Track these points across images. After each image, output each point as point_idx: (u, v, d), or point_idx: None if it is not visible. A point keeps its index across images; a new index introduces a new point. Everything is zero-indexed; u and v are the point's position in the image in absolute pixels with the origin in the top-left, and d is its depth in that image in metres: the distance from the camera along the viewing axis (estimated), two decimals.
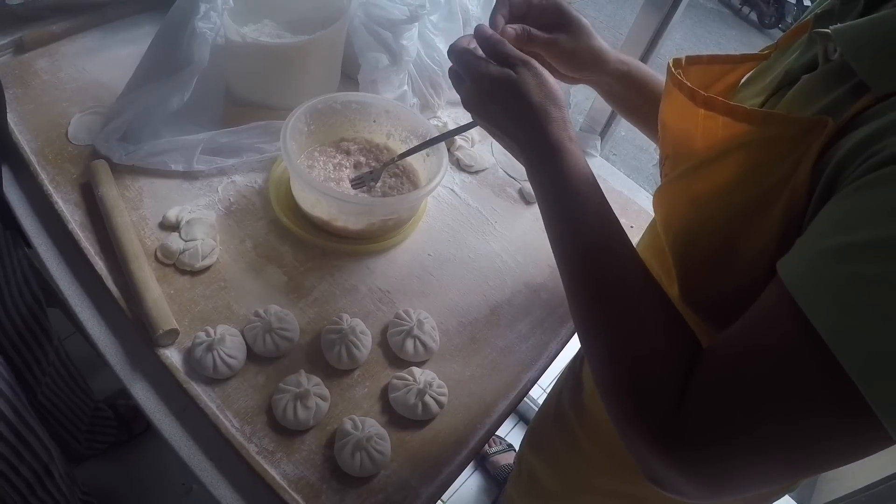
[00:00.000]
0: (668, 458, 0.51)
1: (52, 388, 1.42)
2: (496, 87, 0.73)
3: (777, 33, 6.37)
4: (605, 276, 0.63)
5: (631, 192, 1.43)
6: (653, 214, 0.81)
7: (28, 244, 1.16)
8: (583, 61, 0.87)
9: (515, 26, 0.82)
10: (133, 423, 1.81)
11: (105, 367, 0.95)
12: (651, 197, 1.19)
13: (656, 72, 0.92)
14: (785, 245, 0.52)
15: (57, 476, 1.24)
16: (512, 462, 2.00)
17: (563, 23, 0.86)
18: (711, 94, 0.63)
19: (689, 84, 0.64)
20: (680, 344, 0.57)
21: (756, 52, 0.75)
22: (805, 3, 6.17)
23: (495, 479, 2.04)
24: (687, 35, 5.71)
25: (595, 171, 1.34)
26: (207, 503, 0.88)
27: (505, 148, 0.78)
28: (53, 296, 1.46)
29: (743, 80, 0.75)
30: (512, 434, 2.23)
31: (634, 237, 1.27)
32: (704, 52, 0.74)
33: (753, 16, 6.46)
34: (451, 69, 0.80)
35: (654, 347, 0.57)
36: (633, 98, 0.93)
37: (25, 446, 1.15)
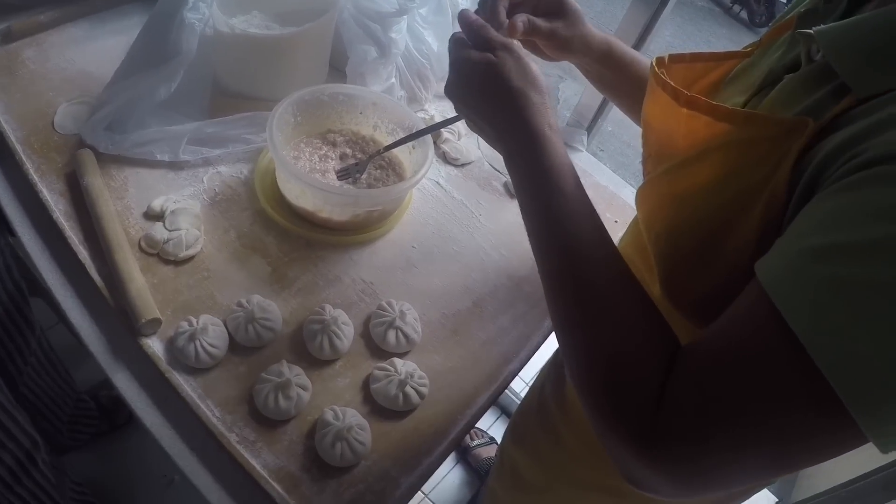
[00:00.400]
0: (646, 457, 0.51)
1: (33, 379, 1.41)
2: (475, 72, 0.72)
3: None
4: (584, 273, 0.62)
5: (616, 188, 1.43)
6: (635, 209, 0.81)
7: (11, 233, 1.15)
8: (574, 47, 0.89)
9: (522, 17, 0.82)
10: (115, 414, 1.80)
11: (88, 358, 0.95)
12: (633, 193, 1.20)
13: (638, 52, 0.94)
14: (764, 245, 0.52)
15: (41, 463, 1.24)
16: (494, 455, 2.00)
17: (560, 11, 0.87)
18: (694, 92, 0.63)
19: (671, 83, 0.64)
20: (659, 343, 0.57)
21: (739, 49, 0.76)
22: None
23: (477, 472, 2.04)
24: (677, 33, 5.71)
25: (581, 167, 1.38)
26: (189, 494, 0.88)
27: (483, 138, 0.77)
28: (36, 285, 1.45)
29: (727, 78, 0.75)
30: (494, 427, 2.23)
31: (619, 232, 1.28)
32: (690, 51, 0.74)
33: (744, 14, 6.45)
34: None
35: (631, 347, 0.57)
36: (615, 77, 0.94)
37: (5, 433, 1.15)
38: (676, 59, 0.73)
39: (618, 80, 0.95)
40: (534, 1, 0.86)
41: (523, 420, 1.10)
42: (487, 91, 0.72)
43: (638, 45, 1.39)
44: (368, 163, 1.14)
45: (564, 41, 0.87)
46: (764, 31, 0.75)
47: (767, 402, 0.46)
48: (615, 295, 0.60)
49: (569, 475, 0.98)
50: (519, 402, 1.16)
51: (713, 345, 0.52)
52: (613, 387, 0.56)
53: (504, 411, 2.29)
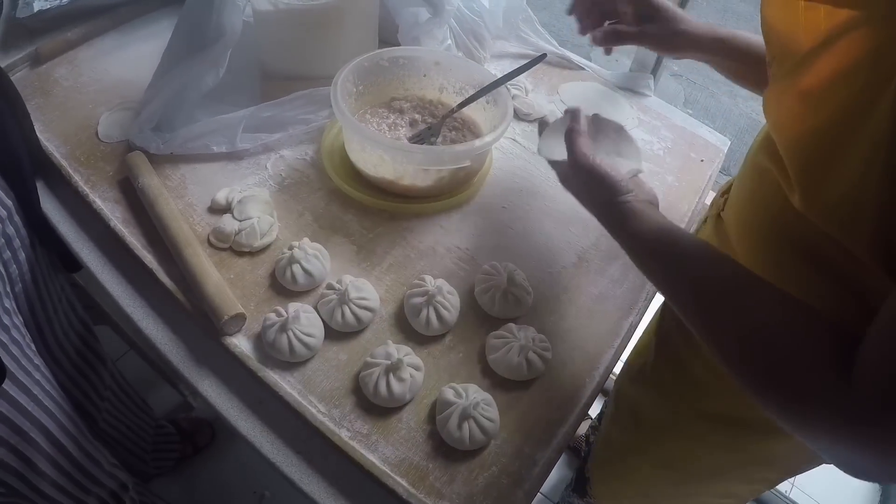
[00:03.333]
0: (863, 435, 0.49)
1: (112, 413, 1.35)
2: (572, 185, 0.85)
3: None
4: (726, 304, 0.63)
5: (693, 128, 1.34)
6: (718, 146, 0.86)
7: (68, 268, 1.09)
8: (675, 45, 0.93)
9: (599, 30, 0.95)
10: (196, 437, 1.75)
11: (162, 384, 0.86)
12: (712, 132, 1.23)
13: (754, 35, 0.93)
14: None
15: (128, 501, 1.17)
16: (587, 431, 1.90)
17: (649, 12, 0.92)
18: None
19: None
20: (824, 334, 0.55)
21: None
22: None
23: (575, 450, 1.95)
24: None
25: (654, 109, 1.28)
26: None
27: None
28: (101, 313, 1.40)
29: None
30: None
31: (707, 170, 1.21)
32: None
33: None
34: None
35: (806, 351, 0.55)
36: (739, 68, 0.94)
37: (89, 478, 1.09)
38: None
39: (743, 70, 0.93)
40: (628, 7, 0.93)
41: (640, 359, 1.03)
42: (585, 199, 0.83)
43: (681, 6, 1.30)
44: (442, 125, 1.05)
45: (661, 40, 0.93)
46: None
47: None
48: (763, 308, 0.60)
49: (696, 408, 0.91)
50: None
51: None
52: (802, 392, 0.54)
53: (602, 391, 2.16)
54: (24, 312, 1.02)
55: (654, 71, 1.44)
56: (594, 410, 1.98)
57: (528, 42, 1.40)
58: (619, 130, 0.91)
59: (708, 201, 1.16)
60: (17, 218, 0.98)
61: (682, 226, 1.09)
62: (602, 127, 0.90)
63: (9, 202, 0.96)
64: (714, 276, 0.65)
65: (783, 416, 0.56)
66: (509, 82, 1.16)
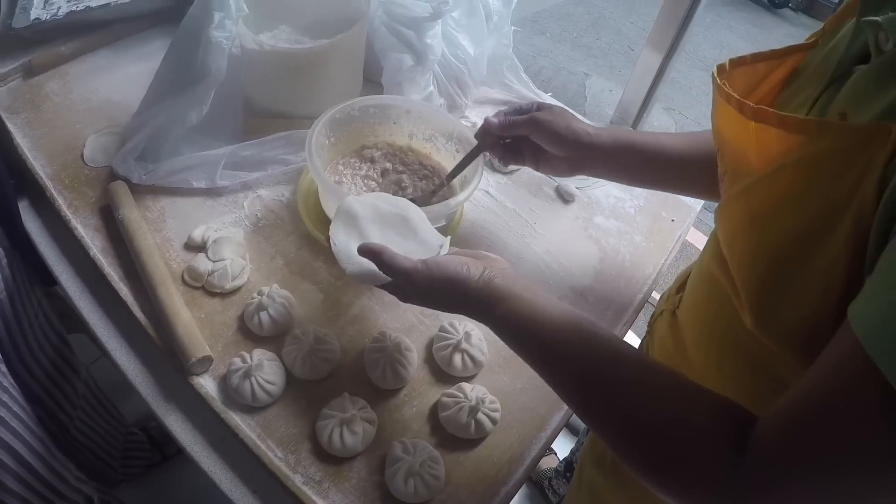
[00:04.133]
0: None
1: (84, 421, 1.38)
2: (424, 296, 0.78)
3: (787, 13, 6.28)
4: (607, 394, 0.64)
5: None
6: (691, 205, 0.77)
7: (46, 282, 1.12)
8: (562, 136, 0.92)
9: (498, 116, 0.96)
10: (165, 446, 1.78)
11: (135, 391, 0.90)
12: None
13: (638, 129, 1.02)
14: (857, 268, 0.48)
15: None
16: (555, 466, 1.93)
17: (539, 107, 0.95)
18: (760, 94, 0.61)
19: (735, 95, 0.59)
20: (713, 422, 0.57)
21: (800, 41, 0.70)
22: None
23: (537, 485, 1.97)
24: (696, 20, 5.63)
25: None
26: None
27: None
28: (75, 321, 1.43)
29: (792, 75, 0.69)
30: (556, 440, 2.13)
31: (676, 230, 1.22)
32: (733, 45, 0.71)
33: None
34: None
35: (688, 442, 0.57)
36: (630, 161, 0.94)
37: (56, 494, 1.12)
38: (737, 62, 0.68)
39: (637, 164, 0.95)
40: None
41: None
42: (442, 306, 0.79)
43: (677, 38, 1.33)
44: (431, 198, 1.07)
45: (549, 128, 0.92)
46: (784, 12, 0.71)
47: (861, 464, 0.45)
48: (644, 404, 0.62)
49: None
50: None
51: (806, 402, 0.49)
52: (681, 484, 0.57)
53: (569, 426, 2.18)
54: None
55: (645, 105, 1.46)
56: (563, 450, 2.01)
57: (512, 89, 1.43)
58: (405, 210, 0.87)
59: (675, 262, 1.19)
60: None
61: (645, 289, 1.13)
62: (386, 216, 0.87)
63: None
64: (596, 366, 0.65)
65: (660, 489, 0.58)
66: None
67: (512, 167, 1.28)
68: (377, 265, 0.77)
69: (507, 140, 0.99)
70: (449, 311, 0.79)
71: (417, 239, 0.85)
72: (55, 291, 1.25)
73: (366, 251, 0.77)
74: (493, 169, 1.28)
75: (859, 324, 0.44)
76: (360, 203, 0.86)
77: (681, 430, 0.58)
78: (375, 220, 0.85)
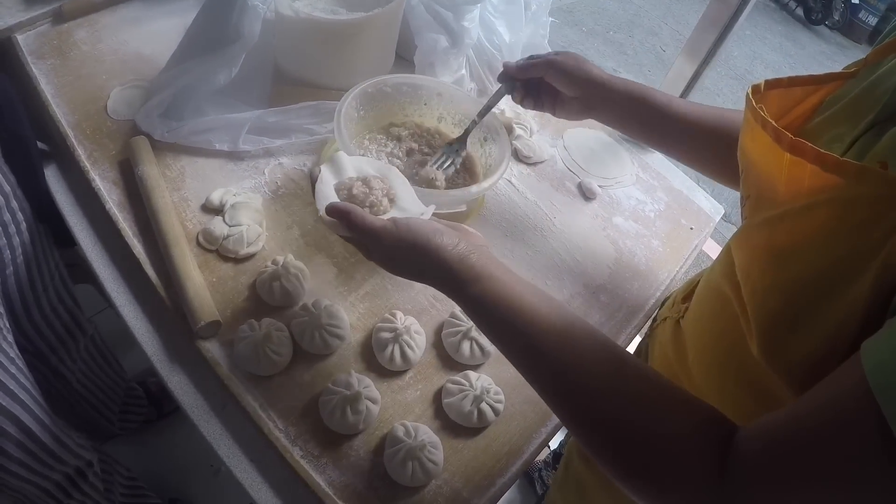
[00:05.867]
0: None
1: (85, 374, 1.40)
2: (385, 257, 0.74)
3: (823, 30, 6.25)
4: (584, 397, 0.62)
5: (690, 192, 1.36)
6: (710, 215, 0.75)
7: (65, 244, 1.11)
8: (576, 76, 0.95)
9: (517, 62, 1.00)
10: (163, 402, 1.80)
11: (138, 346, 0.90)
12: (707, 199, 1.16)
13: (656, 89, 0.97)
14: (876, 318, 0.47)
15: (91, 476, 1.22)
16: (546, 458, 1.94)
17: (557, 54, 0.97)
18: (791, 117, 0.59)
19: (773, 122, 0.57)
20: (697, 433, 0.56)
21: (840, 69, 0.68)
22: (852, 2, 6.02)
23: (527, 476, 1.98)
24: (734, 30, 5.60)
25: (655, 169, 1.30)
26: (236, 483, 0.83)
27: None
28: (83, 271, 1.43)
29: (826, 103, 0.67)
30: None
31: (694, 239, 1.21)
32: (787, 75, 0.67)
33: (800, 11, 6.31)
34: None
35: (669, 451, 0.56)
36: (640, 114, 0.96)
37: (57, 460, 1.13)
38: (772, 84, 0.66)
39: (643, 116, 0.96)
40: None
41: None
42: (409, 267, 0.74)
43: (714, 48, 1.31)
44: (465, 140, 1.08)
45: (565, 72, 0.95)
46: (820, 28, 0.69)
47: (843, 495, 0.45)
48: (624, 408, 0.60)
49: None
50: None
51: (800, 423, 0.49)
52: (659, 493, 0.56)
53: None
54: (11, 293, 1.05)
55: None
56: (554, 441, 2.01)
57: None
58: (390, 178, 0.86)
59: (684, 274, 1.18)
60: (13, 203, 1.00)
61: (658, 295, 1.12)
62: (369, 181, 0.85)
63: (7, 188, 0.98)
64: (582, 364, 0.63)
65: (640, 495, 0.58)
66: (515, 121, 1.19)
67: (535, 158, 1.27)
68: (346, 225, 0.73)
69: (527, 81, 1.01)
70: (414, 279, 0.75)
71: (397, 206, 0.83)
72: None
73: (333, 210, 0.74)
74: (518, 159, 1.27)
75: (869, 358, 0.44)
76: (350, 161, 0.85)
77: (665, 441, 0.57)
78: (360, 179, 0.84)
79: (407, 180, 0.87)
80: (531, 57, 1.00)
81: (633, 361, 0.63)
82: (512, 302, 0.67)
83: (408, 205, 0.84)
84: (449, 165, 1.05)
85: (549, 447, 2.04)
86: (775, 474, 0.48)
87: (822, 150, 0.52)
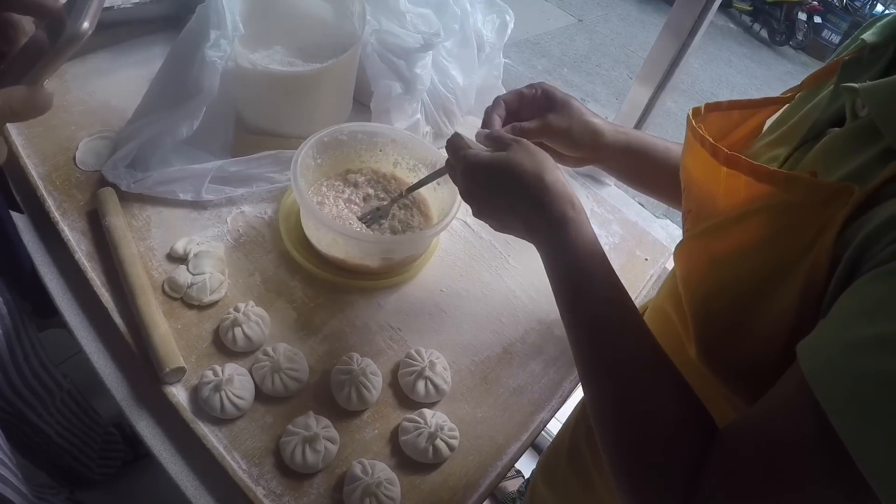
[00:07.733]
0: None
1: (63, 425, 1.42)
2: (490, 172, 0.76)
3: (788, 50, 6.36)
4: (617, 354, 0.63)
5: (646, 223, 1.40)
6: (666, 244, 0.78)
7: (42, 314, 1.16)
8: (578, 137, 0.89)
9: (507, 128, 0.88)
10: (138, 444, 1.80)
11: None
12: (665, 227, 1.18)
13: (656, 136, 0.95)
14: (805, 317, 0.50)
15: None
16: (519, 488, 1.96)
17: (552, 105, 0.89)
18: (731, 141, 0.62)
19: (710, 140, 0.62)
20: (694, 427, 0.57)
21: (780, 93, 0.73)
22: (815, 21, 6.16)
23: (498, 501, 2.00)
24: (697, 53, 5.70)
25: (609, 202, 1.35)
26: None
27: (515, 235, 0.80)
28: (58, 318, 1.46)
29: (766, 127, 0.72)
30: (521, 460, 2.16)
31: (649, 269, 1.26)
32: (715, 82, 0.72)
33: (764, 33, 6.44)
34: (447, 162, 0.84)
35: (662, 431, 0.57)
36: (638, 167, 0.93)
37: None
38: (712, 107, 0.71)
39: (644, 169, 0.93)
40: (528, 103, 0.91)
41: (554, 460, 1.06)
42: (503, 187, 0.75)
43: (667, 75, 1.36)
44: (392, 207, 1.11)
45: (563, 131, 0.88)
46: (784, 49, 0.73)
47: (799, 498, 0.47)
48: (650, 376, 0.61)
49: None
50: (551, 439, 1.13)
51: (751, 434, 0.51)
52: (646, 469, 0.57)
53: (534, 446, 2.22)
54: None
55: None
56: (527, 468, 2.04)
57: None
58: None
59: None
60: None
61: None
62: None
63: None
64: (621, 340, 0.64)
65: (621, 486, 0.59)
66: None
67: None
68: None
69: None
70: (507, 212, 0.77)
71: None
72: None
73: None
74: None
75: (806, 359, 0.46)
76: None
77: (665, 426, 0.58)
78: None
79: None
80: (514, 96, 0.92)
81: (664, 354, 0.64)
82: (595, 259, 0.69)
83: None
84: (375, 226, 1.11)
85: (522, 476, 2.08)
86: (732, 487, 0.50)
87: (754, 163, 0.56)
